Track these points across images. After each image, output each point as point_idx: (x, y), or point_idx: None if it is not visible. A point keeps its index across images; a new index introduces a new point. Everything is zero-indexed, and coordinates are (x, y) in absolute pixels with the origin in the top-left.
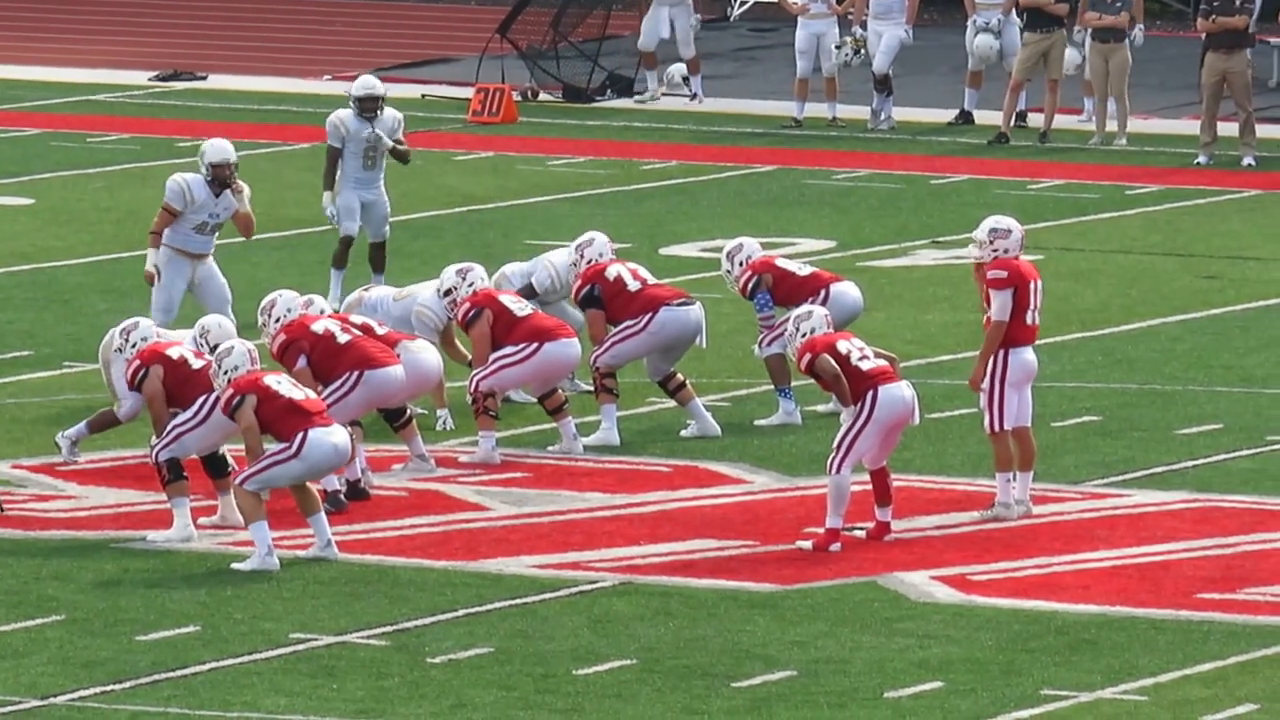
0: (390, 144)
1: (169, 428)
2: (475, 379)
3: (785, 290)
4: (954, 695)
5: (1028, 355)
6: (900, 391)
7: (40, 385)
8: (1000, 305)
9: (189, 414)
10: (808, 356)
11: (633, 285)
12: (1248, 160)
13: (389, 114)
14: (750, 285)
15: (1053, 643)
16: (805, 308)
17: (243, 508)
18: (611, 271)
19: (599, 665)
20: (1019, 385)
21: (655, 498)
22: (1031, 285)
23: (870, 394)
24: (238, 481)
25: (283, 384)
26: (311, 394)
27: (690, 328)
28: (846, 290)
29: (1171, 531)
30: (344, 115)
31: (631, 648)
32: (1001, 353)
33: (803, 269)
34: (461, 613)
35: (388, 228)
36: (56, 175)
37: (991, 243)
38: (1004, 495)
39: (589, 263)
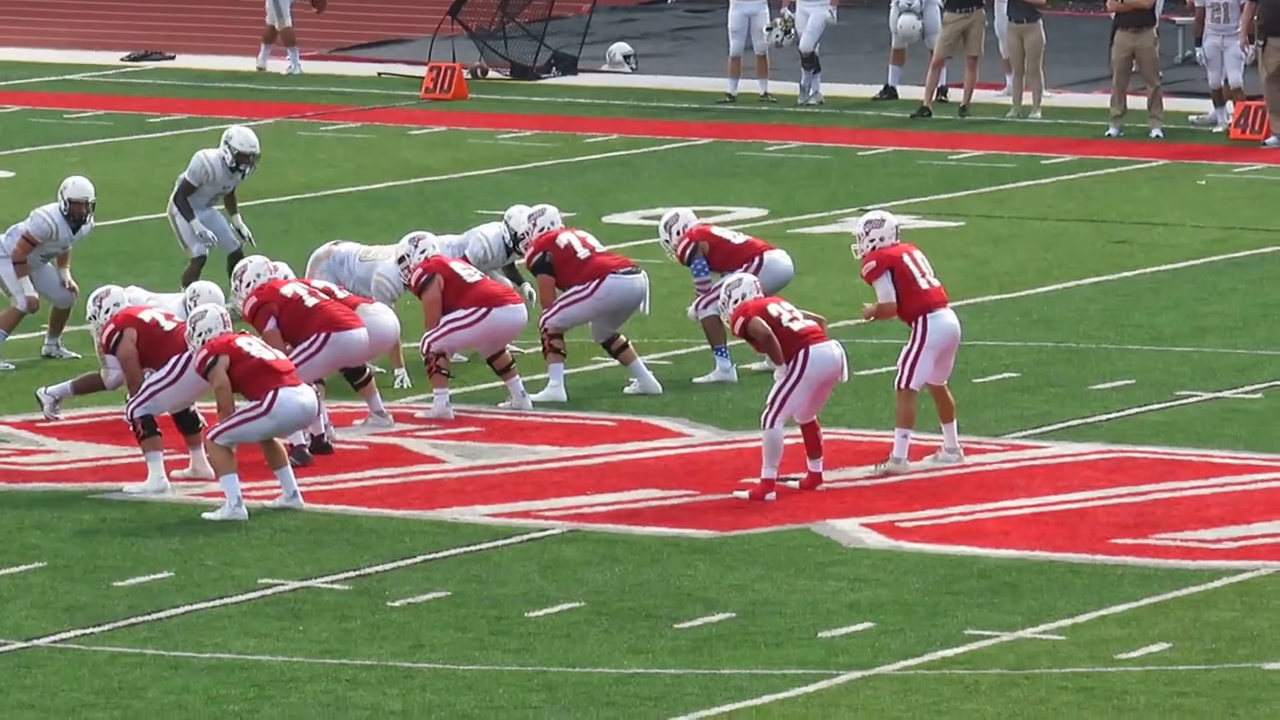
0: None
1: (144, 386)
2: (427, 341)
3: (721, 256)
4: (884, 635)
5: (947, 319)
6: (830, 350)
7: (21, 346)
8: (883, 291)
9: (163, 373)
10: (741, 320)
11: (582, 253)
12: (1156, 132)
13: None
14: (687, 252)
15: (976, 585)
16: (735, 275)
17: (214, 461)
18: (562, 239)
19: (549, 608)
20: (938, 348)
21: (601, 450)
22: (905, 258)
23: (801, 353)
24: (210, 437)
25: (254, 345)
26: (281, 355)
27: (635, 294)
28: (778, 258)
29: (1087, 481)
30: (214, 162)
31: (580, 591)
32: (921, 318)
33: (737, 237)
34: (419, 559)
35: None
36: (35, 150)
37: (868, 234)
38: (899, 451)
39: (541, 231)
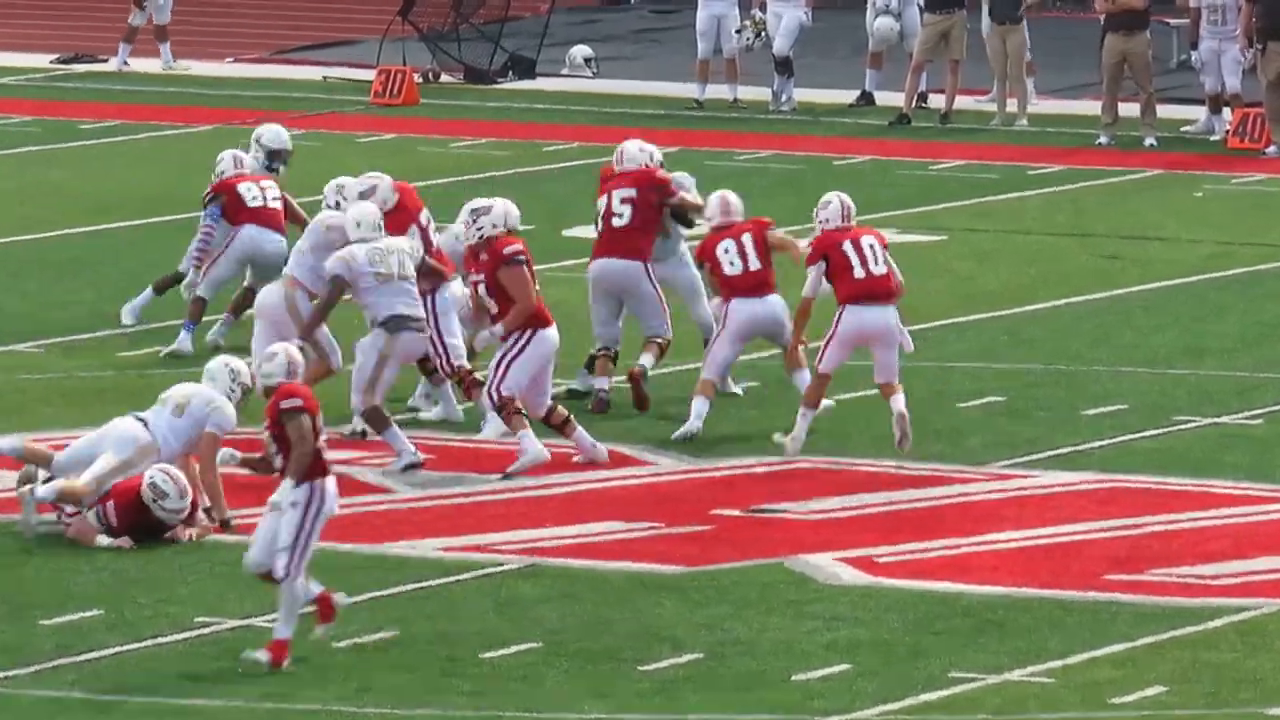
0: None
1: (499, 362)
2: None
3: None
4: (861, 677)
5: (865, 314)
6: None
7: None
8: (809, 284)
9: (510, 343)
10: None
11: None
12: (1149, 140)
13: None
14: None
15: (960, 624)
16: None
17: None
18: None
19: (505, 649)
20: (847, 343)
21: (561, 480)
22: (845, 245)
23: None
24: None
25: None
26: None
27: None
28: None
29: (1078, 512)
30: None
31: (538, 631)
32: (842, 308)
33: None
34: (366, 596)
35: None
36: None
37: (815, 216)
38: (798, 430)
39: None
